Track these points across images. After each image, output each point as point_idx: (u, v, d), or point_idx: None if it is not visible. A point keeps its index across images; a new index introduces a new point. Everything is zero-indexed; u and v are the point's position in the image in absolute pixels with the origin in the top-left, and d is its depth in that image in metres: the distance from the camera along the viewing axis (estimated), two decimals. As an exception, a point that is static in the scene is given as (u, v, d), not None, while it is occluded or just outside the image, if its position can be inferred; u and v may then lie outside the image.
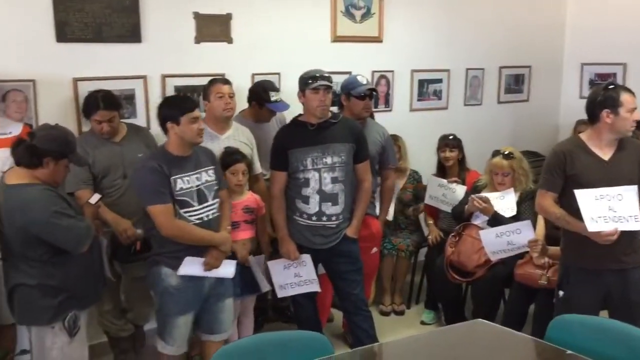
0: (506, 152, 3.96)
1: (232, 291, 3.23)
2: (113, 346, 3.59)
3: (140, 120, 3.74)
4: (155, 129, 3.73)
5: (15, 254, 2.65)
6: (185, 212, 2.93)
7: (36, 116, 3.42)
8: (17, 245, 2.61)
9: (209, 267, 2.99)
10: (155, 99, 3.75)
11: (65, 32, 3.46)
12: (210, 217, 3.02)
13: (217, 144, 3.42)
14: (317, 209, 3.33)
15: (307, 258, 3.41)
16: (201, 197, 2.98)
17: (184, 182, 2.92)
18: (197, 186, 2.97)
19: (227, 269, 3.09)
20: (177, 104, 2.94)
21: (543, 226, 3.72)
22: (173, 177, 2.89)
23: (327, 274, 3.56)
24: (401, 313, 4.44)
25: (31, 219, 2.55)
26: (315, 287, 3.47)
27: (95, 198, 2.94)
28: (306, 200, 3.33)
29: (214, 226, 3.04)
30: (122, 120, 3.48)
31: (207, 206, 3.00)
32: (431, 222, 4.48)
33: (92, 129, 3.36)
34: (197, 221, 2.96)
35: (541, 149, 5.18)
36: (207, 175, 3.02)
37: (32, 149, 2.59)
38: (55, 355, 2.70)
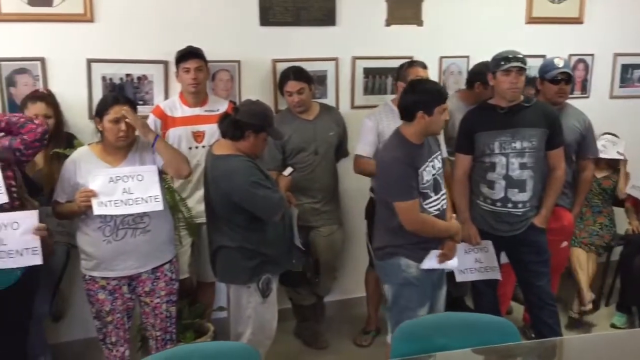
0: None
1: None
2: (296, 313, 3.81)
3: (330, 100, 3.87)
4: (344, 108, 3.90)
5: (219, 218, 2.87)
6: (426, 204, 2.81)
7: (239, 94, 3.69)
8: (221, 210, 2.83)
9: (445, 258, 2.89)
10: (345, 81, 3.90)
11: (267, 17, 3.68)
12: (444, 206, 2.90)
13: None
14: (502, 194, 3.22)
15: (488, 244, 3.32)
16: (437, 186, 2.86)
17: (427, 174, 2.79)
18: (434, 175, 2.84)
19: (454, 260, 3.00)
20: (433, 93, 2.75)
21: None
22: (420, 169, 2.76)
23: (510, 264, 3.44)
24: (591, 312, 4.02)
25: (233, 186, 2.74)
26: (496, 275, 3.37)
27: (288, 171, 3.11)
28: (491, 185, 3.23)
29: (444, 216, 2.93)
30: (313, 100, 3.64)
31: (442, 195, 2.89)
32: (633, 212, 4.13)
33: (288, 107, 3.57)
34: (436, 212, 2.84)
35: None
36: (438, 162, 2.89)
37: (235, 122, 2.77)
38: (249, 313, 2.91)
